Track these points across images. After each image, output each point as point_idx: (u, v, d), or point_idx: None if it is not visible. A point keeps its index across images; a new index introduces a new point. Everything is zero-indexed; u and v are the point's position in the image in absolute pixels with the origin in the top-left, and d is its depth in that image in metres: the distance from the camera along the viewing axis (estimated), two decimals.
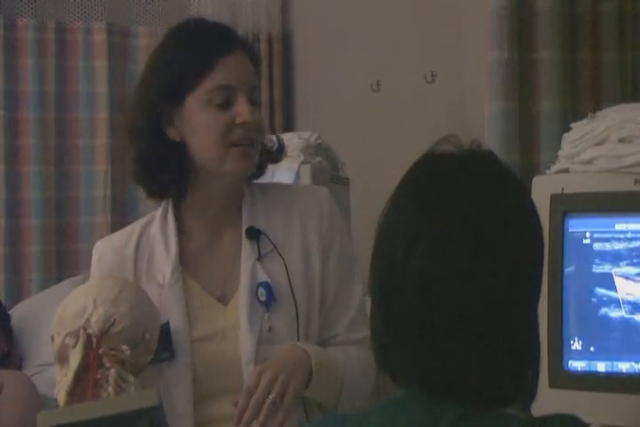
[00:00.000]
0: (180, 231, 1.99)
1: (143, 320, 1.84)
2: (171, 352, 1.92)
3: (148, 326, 1.85)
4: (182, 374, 1.91)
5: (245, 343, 1.89)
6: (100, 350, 1.80)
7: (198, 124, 1.90)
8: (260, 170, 2.02)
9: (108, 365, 1.79)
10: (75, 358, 1.80)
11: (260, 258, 1.93)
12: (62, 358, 1.83)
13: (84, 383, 1.79)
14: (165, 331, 1.91)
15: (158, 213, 2.03)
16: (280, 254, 1.92)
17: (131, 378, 1.80)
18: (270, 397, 1.75)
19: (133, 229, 2.05)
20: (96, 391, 1.77)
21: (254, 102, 1.92)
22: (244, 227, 1.95)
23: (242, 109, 1.89)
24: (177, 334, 1.92)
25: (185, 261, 1.97)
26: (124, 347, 1.81)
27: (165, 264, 1.96)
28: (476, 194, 1.26)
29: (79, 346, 1.80)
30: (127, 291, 1.86)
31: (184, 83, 1.90)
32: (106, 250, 2.04)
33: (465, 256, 1.22)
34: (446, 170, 1.28)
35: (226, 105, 1.89)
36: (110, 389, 1.77)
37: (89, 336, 1.80)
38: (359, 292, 1.98)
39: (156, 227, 2.01)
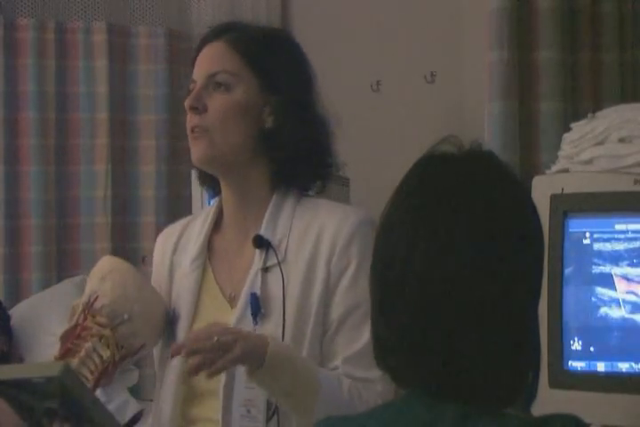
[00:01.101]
0: (217, 228, 2.01)
1: (123, 301, 1.88)
2: (174, 339, 1.93)
3: (129, 307, 1.88)
4: (173, 363, 1.92)
5: None
6: (86, 322, 1.85)
7: None
8: (290, 180, 1.97)
9: (88, 338, 1.84)
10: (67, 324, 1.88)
11: (265, 269, 1.91)
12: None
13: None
14: (171, 318, 1.95)
15: (209, 207, 2.07)
16: (281, 270, 1.89)
17: (106, 354, 1.84)
18: (215, 338, 1.70)
19: (183, 221, 2.10)
20: (66, 360, 1.82)
21: (218, 86, 1.92)
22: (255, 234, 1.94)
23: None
24: (180, 322, 1.95)
25: (212, 256, 1.99)
26: (105, 323, 1.85)
27: (192, 252, 2.00)
28: (477, 194, 1.26)
29: (76, 314, 1.87)
30: (117, 272, 1.93)
31: None
32: (158, 243, 2.10)
33: (465, 257, 1.22)
34: (447, 170, 1.28)
35: None
36: (76, 360, 1.81)
37: (83, 308, 1.87)
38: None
39: (199, 221, 2.04)
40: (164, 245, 2.07)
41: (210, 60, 1.94)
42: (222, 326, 1.77)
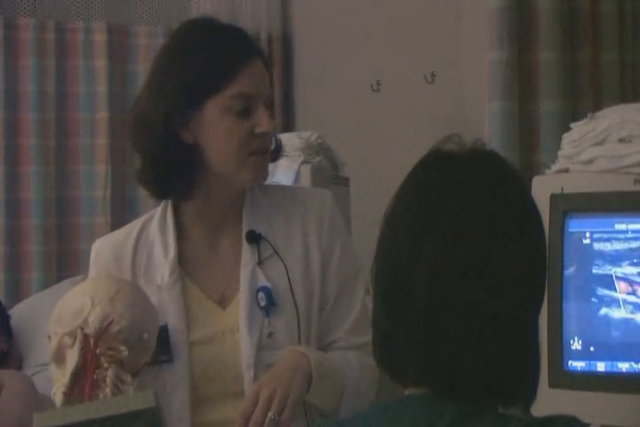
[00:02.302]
0: (179, 233, 1.97)
1: (141, 320, 1.82)
2: (169, 354, 1.91)
3: (147, 326, 1.83)
4: (180, 377, 1.90)
5: (245, 349, 1.88)
6: (98, 351, 1.77)
7: (218, 130, 1.88)
8: None
9: (105, 365, 1.77)
10: (72, 358, 1.77)
11: (260, 262, 1.92)
12: (59, 359, 1.81)
13: (81, 384, 1.76)
14: (164, 333, 1.90)
15: (157, 212, 2.00)
16: (281, 259, 1.90)
17: (129, 379, 1.78)
18: (269, 414, 1.73)
19: (132, 227, 2.02)
20: (93, 392, 1.76)
21: (270, 111, 1.91)
22: (244, 231, 1.94)
23: (262, 119, 1.88)
24: (175, 337, 1.91)
25: (184, 264, 1.96)
26: (122, 347, 1.78)
27: (164, 266, 1.95)
28: (480, 194, 1.26)
29: (76, 346, 1.77)
30: (124, 290, 1.84)
31: (206, 87, 1.87)
32: (104, 248, 2.01)
33: (468, 256, 1.22)
34: (450, 169, 1.28)
35: (245, 113, 1.87)
36: (107, 390, 1.75)
37: (86, 336, 1.77)
38: (360, 297, 1.96)
39: (154, 227, 1.98)
40: (116, 253, 1.99)
41: (266, 81, 1.92)
42: (263, 388, 1.77)
